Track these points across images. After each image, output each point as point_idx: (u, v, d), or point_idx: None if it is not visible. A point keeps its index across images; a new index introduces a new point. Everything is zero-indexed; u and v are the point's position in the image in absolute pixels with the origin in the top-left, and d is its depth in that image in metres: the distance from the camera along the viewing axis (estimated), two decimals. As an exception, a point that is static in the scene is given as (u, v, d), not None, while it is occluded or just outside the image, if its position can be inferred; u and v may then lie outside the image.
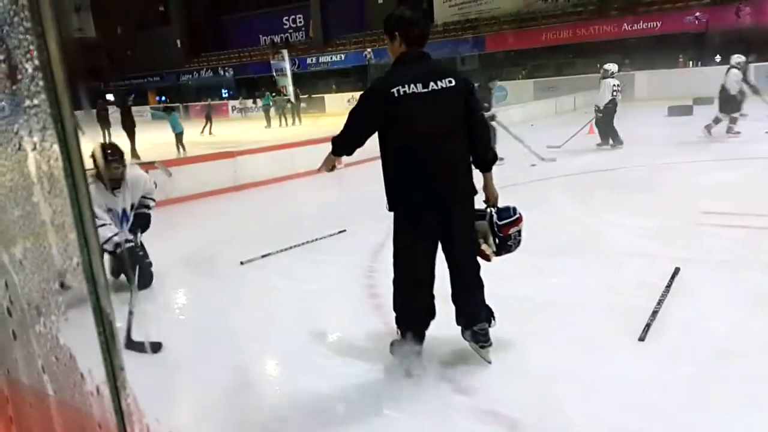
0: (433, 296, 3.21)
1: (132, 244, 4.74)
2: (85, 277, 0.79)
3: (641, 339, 3.28)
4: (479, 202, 3.27)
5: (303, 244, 5.77)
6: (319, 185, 9.96)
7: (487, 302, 3.32)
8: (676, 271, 4.23)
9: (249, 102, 34.43)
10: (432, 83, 2.98)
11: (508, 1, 32.66)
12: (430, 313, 3.22)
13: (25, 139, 0.84)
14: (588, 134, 12.47)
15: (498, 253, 3.33)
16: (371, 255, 5.31)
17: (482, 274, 3.32)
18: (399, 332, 3.22)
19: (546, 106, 20.27)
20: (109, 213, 4.71)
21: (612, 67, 11.20)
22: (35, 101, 0.77)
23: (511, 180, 8.34)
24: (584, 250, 5.09)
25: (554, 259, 4.89)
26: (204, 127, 22.85)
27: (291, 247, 5.68)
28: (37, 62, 0.74)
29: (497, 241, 3.27)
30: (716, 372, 2.93)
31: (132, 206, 4.89)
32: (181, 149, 15.80)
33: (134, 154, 15.50)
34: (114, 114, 18.70)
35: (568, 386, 2.89)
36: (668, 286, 3.98)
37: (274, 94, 28.48)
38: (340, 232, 6.16)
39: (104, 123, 21.98)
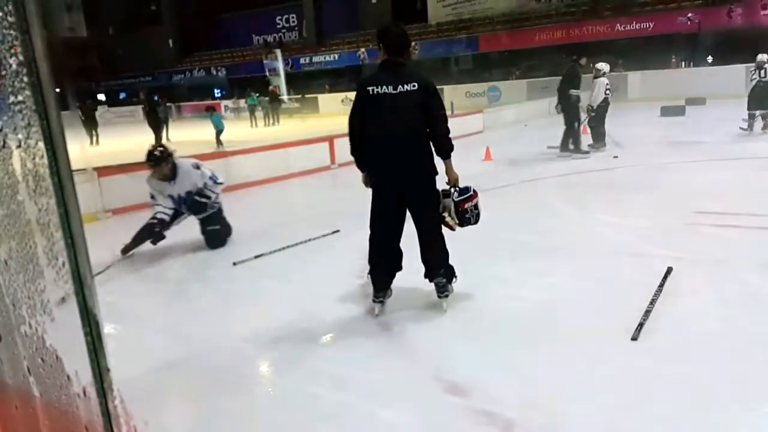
0: (398, 252, 4.02)
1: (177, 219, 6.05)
2: (71, 276, 0.77)
3: (634, 338, 3.28)
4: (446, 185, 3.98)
5: (296, 244, 5.75)
6: (312, 185, 9.97)
7: (487, 301, 3.66)
8: (669, 270, 4.24)
9: (242, 102, 34.36)
10: (400, 86, 3.70)
11: (501, 1, 32.71)
12: (395, 264, 4.04)
13: (9, 137, 0.82)
14: (582, 134, 12.49)
15: (460, 225, 4.09)
16: (365, 255, 5.28)
17: (483, 276, 4.24)
18: (370, 279, 4.05)
19: (539, 107, 20.26)
20: (169, 198, 5.88)
21: (604, 66, 11.17)
22: (20, 97, 0.75)
23: (503, 180, 8.37)
24: (578, 250, 5.09)
25: (549, 259, 4.89)
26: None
27: (284, 248, 5.66)
28: (21, 58, 0.73)
29: (458, 214, 4.02)
30: (709, 371, 2.94)
31: (189, 192, 5.89)
32: (219, 145, 16.22)
33: None
34: (104, 114, 18.59)
35: (562, 386, 2.89)
36: (661, 286, 3.98)
37: (257, 94, 28.42)
38: (333, 232, 6.14)
39: (92, 123, 21.86)
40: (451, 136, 3.83)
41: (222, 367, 3.38)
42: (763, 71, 11.60)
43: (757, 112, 11.67)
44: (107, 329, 3.22)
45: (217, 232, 6.02)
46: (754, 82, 11.77)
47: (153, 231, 5.79)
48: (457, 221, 4.04)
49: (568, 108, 10.55)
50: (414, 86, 3.72)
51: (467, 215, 4.06)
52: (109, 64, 47.22)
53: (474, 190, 4.06)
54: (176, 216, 5.99)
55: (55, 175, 0.72)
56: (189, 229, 6.74)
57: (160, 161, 5.71)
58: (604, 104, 10.96)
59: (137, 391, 3.14)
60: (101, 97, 47.12)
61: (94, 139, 21.58)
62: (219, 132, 16.80)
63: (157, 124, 16.08)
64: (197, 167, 5.97)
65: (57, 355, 0.90)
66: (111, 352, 3.02)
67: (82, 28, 46.51)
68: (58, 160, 0.72)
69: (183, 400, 3.15)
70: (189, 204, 5.93)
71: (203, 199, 5.93)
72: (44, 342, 0.90)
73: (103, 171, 7.81)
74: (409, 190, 3.83)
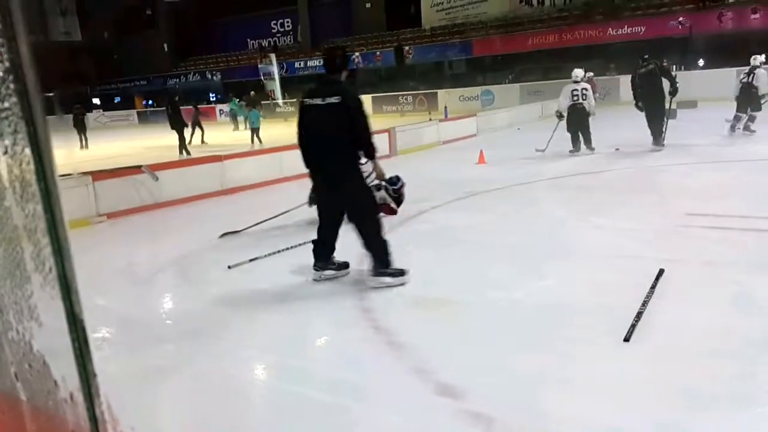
0: (333, 235, 4.73)
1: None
2: (58, 282, 0.78)
3: (626, 339, 3.29)
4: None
5: (291, 247, 5.76)
6: (307, 189, 9.94)
7: (480, 303, 3.56)
8: (661, 272, 4.26)
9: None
10: (327, 98, 4.34)
11: (494, 5, 32.83)
12: (329, 246, 4.76)
13: (-4, 143, 0.83)
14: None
15: (398, 206, 5.92)
16: (359, 259, 5.30)
17: (476, 278, 4.56)
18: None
19: (532, 110, 20.38)
20: None
21: (577, 72, 11.24)
22: (6, 104, 0.75)
23: (497, 183, 8.39)
24: (571, 252, 5.11)
25: (542, 261, 4.91)
26: (191, 134, 19.97)
27: (279, 251, 5.66)
28: (7, 65, 0.73)
29: (396, 200, 5.56)
30: (700, 372, 2.95)
31: None
32: (256, 142, 17.23)
33: (181, 151, 15.89)
34: (99, 118, 18.59)
35: (554, 387, 2.90)
36: (653, 287, 4.00)
37: (239, 99, 28.61)
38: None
39: (81, 127, 21.97)
40: (372, 141, 4.48)
41: (215, 370, 3.37)
42: (752, 75, 11.74)
43: (741, 114, 11.87)
44: (101, 333, 3.22)
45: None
46: (740, 84, 11.95)
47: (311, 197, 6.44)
48: (395, 206, 5.65)
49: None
50: (338, 99, 4.32)
51: (401, 198, 5.97)
52: (104, 68, 47.12)
53: (402, 180, 5.88)
54: None
55: (41, 181, 0.73)
56: (180, 233, 6.74)
57: None
58: (572, 110, 10.99)
59: (130, 396, 3.15)
60: (96, 101, 47.09)
61: (84, 143, 21.68)
62: (255, 129, 17.40)
63: (182, 125, 16.27)
64: None
65: (44, 360, 0.90)
66: (105, 356, 3.03)
67: (76, 33, 46.52)
68: (45, 167, 0.73)
69: (175, 404, 3.15)
70: None
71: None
72: (32, 347, 0.91)
73: (97, 175, 7.79)
74: (334, 189, 4.54)
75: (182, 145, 16.13)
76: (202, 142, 19.93)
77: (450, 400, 2.84)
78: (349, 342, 3.66)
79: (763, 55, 12.14)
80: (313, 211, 7.72)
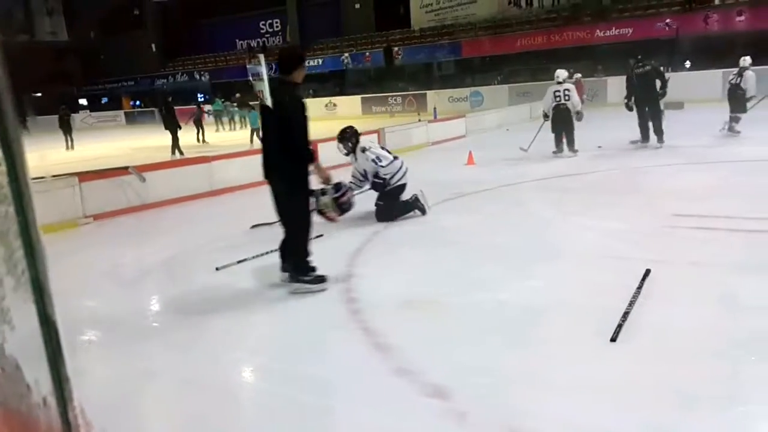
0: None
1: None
2: (31, 285, 0.76)
3: (613, 339, 3.31)
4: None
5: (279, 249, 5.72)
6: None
7: (469, 304, 3.53)
8: (647, 272, 4.28)
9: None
10: (276, 101, 4.49)
11: (483, 7, 32.91)
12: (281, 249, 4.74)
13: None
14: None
15: (340, 215, 5.41)
16: (349, 259, 5.30)
17: (465, 279, 4.57)
18: None
19: (521, 111, 20.42)
20: (356, 172, 7.05)
21: (560, 73, 11.31)
22: (-26, 105, 0.74)
23: (485, 184, 8.41)
24: (558, 253, 5.13)
25: (530, 262, 4.93)
26: (197, 132, 20.56)
27: (267, 252, 5.63)
28: (-25, 63, 0.72)
29: (338, 207, 5.24)
30: (686, 371, 2.97)
31: (365, 171, 6.88)
32: (256, 141, 16.84)
33: (174, 151, 15.83)
34: (86, 118, 18.52)
35: (541, 387, 2.91)
36: (639, 288, 4.02)
37: (223, 100, 29.15)
38: (317, 236, 6.11)
39: (66, 128, 21.89)
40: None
41: (203, 373, 3.35)
42: (741, 77, 11.92)
43: (730, 115, 12.06)
44: (89, 336, 3.20)
45: (379, 207, 6.75)
46: (728, 86, 12.19)
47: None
48: (338, 212, 5.24)
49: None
50: (282, 101, 4.47)
51: (344, 206, 5.48)
52: (90, 68, 46.82)
53: (345, 187, 5.42)
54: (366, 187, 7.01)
55: (13, 183, 0.72)
56: (167, 235, 6.72)
57: (340, 139, 7.04)
58: (556, 110, 11.02)
59: (118, 398, 3.12)
60: (83, 101, 46.76)
61: (69, 143, 21.60)
62: (256, 129, 17.28)
63: (175, 126, 16.24)
64: (363, 150, 6.83)
65: (17, 364, 0.89)
66: (92, 358, 3.00)
67: (63, 33, 46.23)
68: (17, 168, 0.71)
69: (163, 407, 3.13)
70: (371, 183, 6.88)
71: (378, 180, 6.76)
72: (3, 351, 0.89)
73: (83, 176, 7.72)
74: (274, 191, 4.58)
75: (175, 145, 16.06)
76: (204, 141, 20.15)
77: (438, 401, 2.84)
78: (337, 343, 3.65)
79: (749, 57, 12.25)
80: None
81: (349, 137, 6.99)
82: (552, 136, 11.12)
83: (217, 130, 26.93)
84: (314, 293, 4.49)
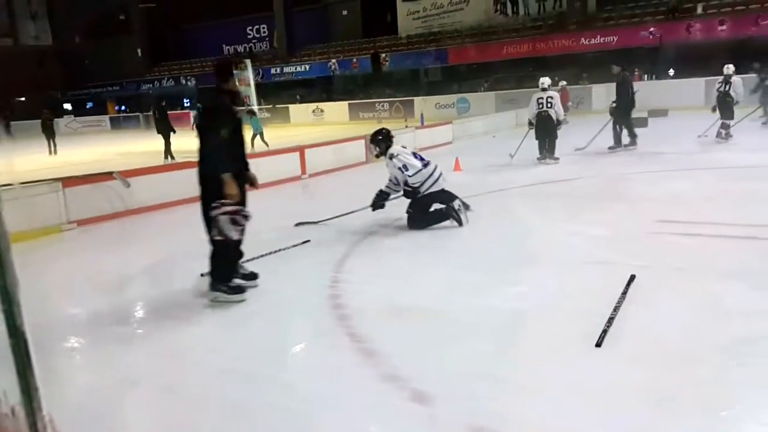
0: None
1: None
2: (0, 296, 0.75)
3: (598, 345, 3.33)
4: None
5: (266, 255, 5.72)
6: (283, 194, 9.92)
7: (455, 310, 3.62)
8: (632, 278, 4.32)
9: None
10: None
11: (470, 14, 33.11)
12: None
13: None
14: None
15: (235, 232, 4.50)
16: (335, 265, 5.30)
17: (452, 285, 4.61)
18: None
19: (507, 118, 20.53)
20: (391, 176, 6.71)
21: (544, 80, 11.46)
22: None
23: (472, 190, 8.43)
24: (544, 259, 5.16)
25: (516, 268, 4.96)
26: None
27: (253, 258, 5.60)
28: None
29: (233, 223, 4.49)
30: (671, 376, 3.00)
31: (395, 179, 6.60)
32: (261, 144, 17.20)
33: (167, 156, 15.77)
34: (70, 123, 18.38)
35: (528, 392, 2.93)
36: (624, 293, 4.05)
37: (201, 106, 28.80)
38: (303, 242, 6.12)
39: (49, 133, 21.79)
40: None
41: (186, 380, 3.33)
42: (728, 84, 12.27)
43: (720, 121, 12.35)
44: (71, 343, 3.17)
45: (410, 216, 6.51)
46: (716, 93, 12.51)
47: (375, 202, 6.71)
48: (231, 229, 4.46)
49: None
50: (202, 111, 4.55)
51: (236, 224, 4.49)
52: (75, 73, 46.49)
53: (225, 207, 4.43)
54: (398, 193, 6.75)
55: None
56: (152, 241, 6.67)
57: (372, 141, 6.92)
58: (539, 118, 11.12)
59: (101, 406, 3.10)
60: (67, 106, 46.38)
61: (53, 148, 21.48)
62: (258, 134, 17.55)
63: (168, 131, 16.25)
64: (391, 157, 6.57)
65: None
66: (75, 365, 2.98)
67: (47, 37, 45.85)
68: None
69: (146, 414, 3.10)
70: (402, 190, 6.63)
71: (408, 188, 6.51)
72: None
73: (67, 181, 7.65)
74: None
75: (168, 150, 16.00)
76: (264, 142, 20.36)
77: (425, 407, 2.84)
78: (324, 350, 3.64)
79: (732, 65, 12.51)
80: (283, 220, 7.71)
81: (380, 140, 6.80)
82: (537, 143, 11.21)
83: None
84: (234, 303, 4.50)
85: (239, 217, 4.45)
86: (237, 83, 4.72)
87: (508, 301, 4.21)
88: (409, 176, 6.43)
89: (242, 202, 4.67)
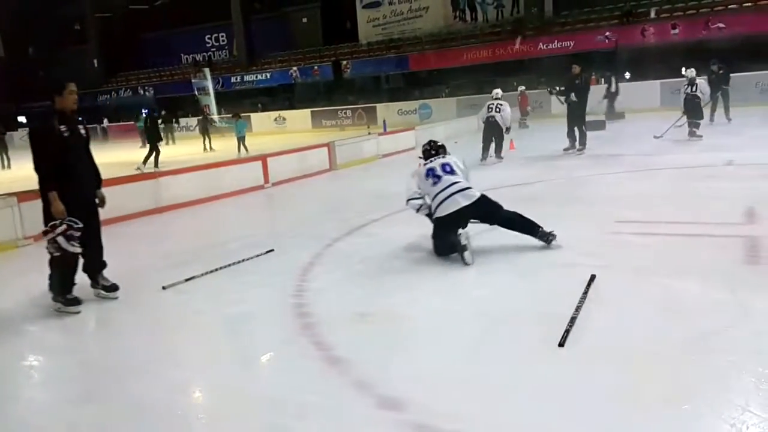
0: (88, 253, 4.85)
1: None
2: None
3: (561, 345, 3.38)
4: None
5: (229, 265, 5.66)
6: (246, 204, 9.85)
7: (418, 315, 3.58)
8: (592, 278, 4.39)
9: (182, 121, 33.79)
10: None
11: (429, 21, 33.40)
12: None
13: None
14: (509, 149, 12.90)
15: (56, 251, 4.57)
16: (300, 274, 5.27)
17: (415, 290, 4.60)
18: None
19: (468, 124, 20.71)
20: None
21: (497, 91, 12.96)
22: None
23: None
24: (505, 262, 5.21)
25: (478, 271, 4.99)
26: (203, 141, 22.35)
27: (217, 269, 5.56)
28: None
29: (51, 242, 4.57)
30: (633, 373, 3.05)
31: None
32: (242, 150, 18.04)
33: (156, 164, 15.83)
34: (25, 136, 18.06)
35: (494, 394, 2.95)
36: (585, 293, 4.12)
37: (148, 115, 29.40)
38: (267, 251, 6.07)
39: (1, 147, 21.46)
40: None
41: (150, 396, 3.27)
42: (694, 86, 12.91)
43: (688, 121, 12.93)
44: (30, 361, 3.10)
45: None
46: (684, 96, 13.11)
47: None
48: (54, 248, 4.57)
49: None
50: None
51: (56, 244, 4.55)
52: (29, 85, 45.40)
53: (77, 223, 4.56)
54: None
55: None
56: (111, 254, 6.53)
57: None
58: (486, 123, 12.14)
59: (62, 425, 3.02)
60: (22, 119, 45.21)
61: (6, 162, 21.09)
62: (241, 138, 18.41)
63: (157, 139, 16.68)
64: (413, 176, 5.91)
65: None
66: (35, 383, 2.91)
67: (-1, 49, 44.70)
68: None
69: None
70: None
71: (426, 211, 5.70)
72: None
73: (23, 196, 7.44)
74: None
75: (157, 157, 16.16)
76: (211, 149, 21.49)
77: (392, 413, 2.84)
78: (289, 359, 3.62)
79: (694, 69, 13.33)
80: (246, 230, 7.65)
81: (423, 152, 6.14)
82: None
83: (142, 146, 27.05)
84: (70, 314, 4.64)
85: (73, 232, 4.53)
86: (72, 102, 4.81)
87: (472, 305, 4.24)
88: (413, 200, 5.79)
89: (86, 216, 4.74)
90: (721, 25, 22.96)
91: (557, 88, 12.70)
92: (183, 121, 36.14)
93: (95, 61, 44.72)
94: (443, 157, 5.84)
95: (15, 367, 3.85)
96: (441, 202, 5.40)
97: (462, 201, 5.32)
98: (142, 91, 42.16)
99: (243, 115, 21.95)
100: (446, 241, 5.33)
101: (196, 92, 35.69)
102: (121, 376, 3.57)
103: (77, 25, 44.64)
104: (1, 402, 3.37)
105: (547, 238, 5.35)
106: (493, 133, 12.09)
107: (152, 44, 45.44)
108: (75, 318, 4.75)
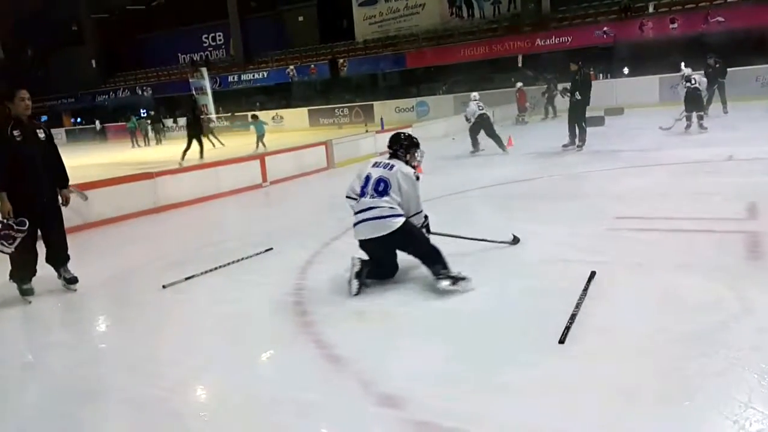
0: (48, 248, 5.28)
1: None
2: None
3: (561, 342, 3.37)
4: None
5: (228, 264, 5.65)
6: (245, 203, 9.84)
7: (417, 314, 3.73)
8: (592, 274, 4.38)
9: (169, 121, 33.73)
10: None
11: (426, 18, 33.31)
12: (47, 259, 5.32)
13: None
14: (507, 146, 12.89)
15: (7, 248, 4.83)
16: (298, 272, 5.26)
17: (413, 288, 4.58)
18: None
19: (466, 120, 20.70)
20: None
21: (474, 94, 14.04)
22: None
23: (432, 193, 8.48)
24: (506, 259, 5.20)
25: (477, 269, 4.95)
26: (212, 140, 22.57)
27: (216, 268, 5.55)
28: None
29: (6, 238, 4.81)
30: (633, 369, 3.05)
31: None
32: (261, 146, 18.78)
33: (201, 155, 16.71)
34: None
35: (494, 392, 2.94)
36: (585, 290, 4.11)
37: (137, 117, 31.25)
38: (266, 250, 6.06)
39: None
40: None
41: (150, 395, 3.26)
42: (692, 80, 13.14)
43: (693, 114, 13.13)
44: (29, 357, 3.09)
45: None
46: (684, 90, 13.26)
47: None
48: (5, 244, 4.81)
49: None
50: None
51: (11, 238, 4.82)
52: (28, 86, 45.27)
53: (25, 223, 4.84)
54: None
55: None
56: (111, 254, 6.54)
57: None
58: (479, 118, 13.09)
59: (63, 421, 3.01)
60: None
61: None
62: (260, 136, 19.40)
63: (199, 132, 17.48)
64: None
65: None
66: (34, 378, 2.90)
67: (-4, 50, 44.59)
68: None
69: (109, 429, 3.03)
70: None
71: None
72: None
73: None
74: None
75: (199, 149, 16.96)
76: (220, 144, 22.16)
77: (393, 411, 2.83)
78: (290, 358, 3.61)
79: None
80: (245, 229, 7.64)
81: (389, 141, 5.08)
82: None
83: (133, 146, 28.80)
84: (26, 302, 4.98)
85: (11, 232, 4.78)
86: (23, 108, 5.01)
87: (471, 303, 4.22)
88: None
89: (42, 215, 5.08)
90: (720, 18, 22.88)
91: (565, 88, 12.81)
92: (181, 120, 36.16)
93: (93, 61, 44.64)
94: (392, 166, 4.72)
95: (13, 365, 3.84)
96: (353, 224, 4.76)
97: (364, 233, 4.60)
98: (140, 92, 42.10)
99: (251, 114, 23.02)
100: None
101: (193, 92, 35.64)
102: (121, 374, 3.57)
103: (74, 26, 44.52)
104: (-1, 404, 3.36)
105: (453, 280, 4.38)
106: (484, 127, 13.06)
107: (149, 44, 45.37)
108: (75, 316, 4.79)
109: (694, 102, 13.16)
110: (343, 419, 2.83)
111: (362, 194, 4.65)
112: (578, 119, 12.02)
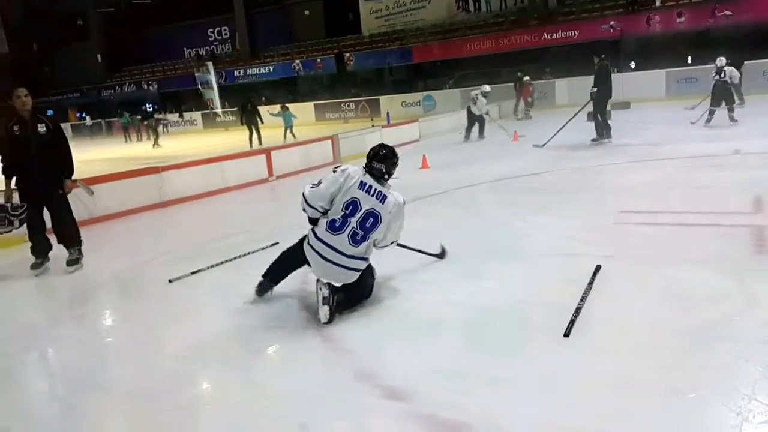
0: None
1: None
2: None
3: (566, 335, 3.38)
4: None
5: (234, 258, 5.67)
6: (250, 198, 9.85)
7: (424, 307, 3.74)
8: (598, 268, 4.38)
9: (175, 116, 33.81)
10: None
11: (432, 12, 33.23)
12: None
13: None
14: (512, 141, 12.87)
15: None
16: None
17: (421, 281, 4.61)
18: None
19: (473, 115, 20.67)
20: None
21: (481, 89, 15.32)
22: None
23: (440, 187, 8.49)
24: (511, 253, 5.20)
25: (483, 263, 4.98)
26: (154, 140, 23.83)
27: (222, 263, 5.56)
28: None
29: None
30: (638, 363, 3.05)
31: None
32: (290, 136, 19.93)
33: (260, 141, 18.52)
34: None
35: (499, 385, 2.95)
36: (590, 284, 4.11)
37: (129, 114, 31.36)
38: (272, 244, 6.06)
39: None
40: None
41: (156, 388, 3.28)
42: (723, 73, 13.06)
43: (719, 108, 13.15)
44: (34, 352, 3.10)
45: None
46: (713, 82, 13.28)
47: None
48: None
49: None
50: None
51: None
52: (33, 81, 45.46)
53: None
54: None
55: None
56: (117, 249, 6.57)
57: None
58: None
59: (68, 415, 3.04)
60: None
61: None
62: (288, 127, 20.25)
63: (257, 122, 18.90)
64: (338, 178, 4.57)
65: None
66: (38, 373, 2.92)
67: (2, 45, 44.69)
68: None
69: (114, 422, 3.05)
70: None
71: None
72: None
73: None
74: None
75: (258, 137, 18.79)
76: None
77: (398, 404, 2.85)
78: (295, 352, 3.62)
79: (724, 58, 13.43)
80: (251, 223, 7.66)
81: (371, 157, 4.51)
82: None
83: (126, 141, 29.52)
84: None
85: (7, 215, 5.50)
86: (20, 105, 5.63)
87: (476, 296, 4.23)
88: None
89: (40, 202, 5.73)
90: (728, 12, 22.72)
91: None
92: (187, 115, 36.23)
93: (99, 56, 44.73)
94: (384, 196, 4.19)
95: (20, 358, 3.87)
96: (311, 247, 4.17)
97: (322, 274, 4.11)
98: (146, 86, 42.20)
99: (281, 105, 22.43)
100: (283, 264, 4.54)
101: (199, 86, 35.68)
102: (127, 367, 3.59)
103: (80, 20, 44.60)
104: (4, 390, 3.39)
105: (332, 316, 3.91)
106: (473, 119, 15.25)
107: (155, 39, 45.43)
108: (82, 309, 4.82)
109: (722, 95, 13.14)
110: (348, 412, 2.85)
111: (344, 222, 4.03)
112: (597, 112, 11.98)
